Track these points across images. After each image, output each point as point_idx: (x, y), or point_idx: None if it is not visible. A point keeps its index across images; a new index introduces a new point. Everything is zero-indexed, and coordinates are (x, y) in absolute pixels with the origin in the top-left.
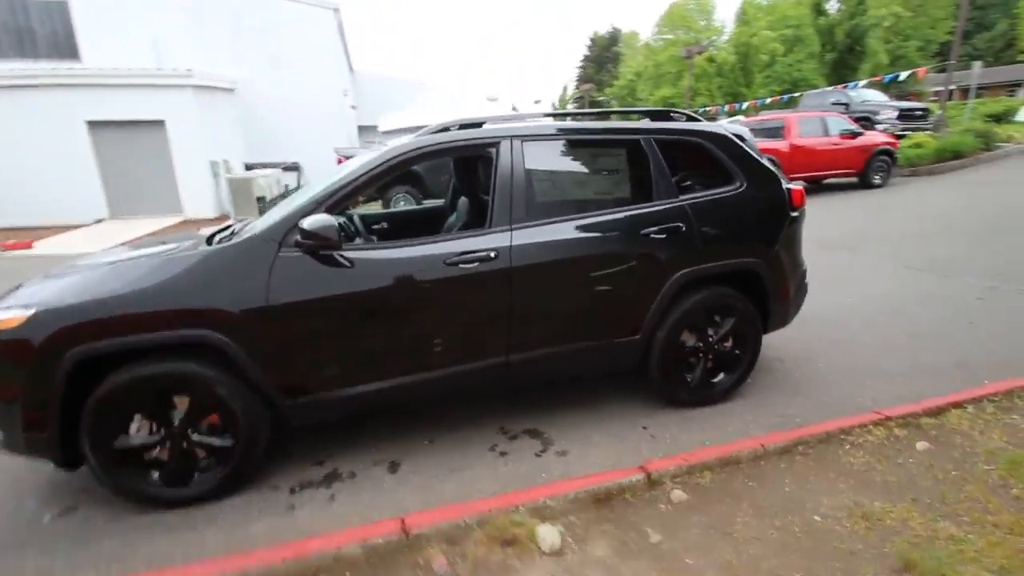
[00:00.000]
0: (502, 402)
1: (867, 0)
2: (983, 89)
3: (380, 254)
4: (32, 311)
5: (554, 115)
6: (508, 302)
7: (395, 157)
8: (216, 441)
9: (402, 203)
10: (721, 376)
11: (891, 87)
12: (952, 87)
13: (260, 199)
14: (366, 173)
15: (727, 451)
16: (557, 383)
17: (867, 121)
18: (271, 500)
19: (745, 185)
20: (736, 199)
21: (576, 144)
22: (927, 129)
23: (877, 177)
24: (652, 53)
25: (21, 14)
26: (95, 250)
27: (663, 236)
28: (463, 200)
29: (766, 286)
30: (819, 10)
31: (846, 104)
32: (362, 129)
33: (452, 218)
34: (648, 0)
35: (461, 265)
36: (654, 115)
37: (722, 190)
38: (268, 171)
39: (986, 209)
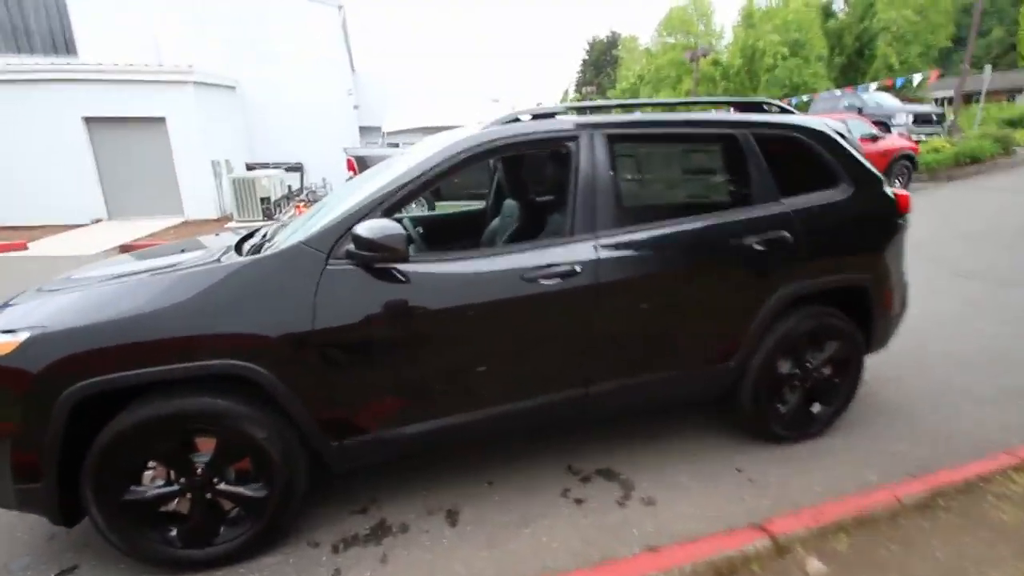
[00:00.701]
0: (564, 433)
1: (877, 3)
2: (980, 94)
3: (443, 267)
4: (24, 335)
5: (625, 105)
6: (591, 324)
7: (465, 151)
8: (247, 491)
9: (413, 206)
10: (817, 407)
11: (900, 91)
12: (955, 92)
13: (264, 200)
14: (430, 169)
15: (861, 507)
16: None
17: (883, 125)
18: (311, 561)
19: (852, 189)
20: (843, 205)
21: (666, 138)
22: (941, 133)
23: (898, 182)
24: (653, 57)
25: (16, 9)
26: (93, 251)
27: (766, 247)
28: (510, 203)
29: (872, 304)
30: (828, 13)
31: (859, 108)
32: (364, 130)
33: (495, 223)
34: (647, 4)
35: (541, 281)
36: (744, 106)
37: (827, 194)
38: (271, 171)
39: (1018, 215)
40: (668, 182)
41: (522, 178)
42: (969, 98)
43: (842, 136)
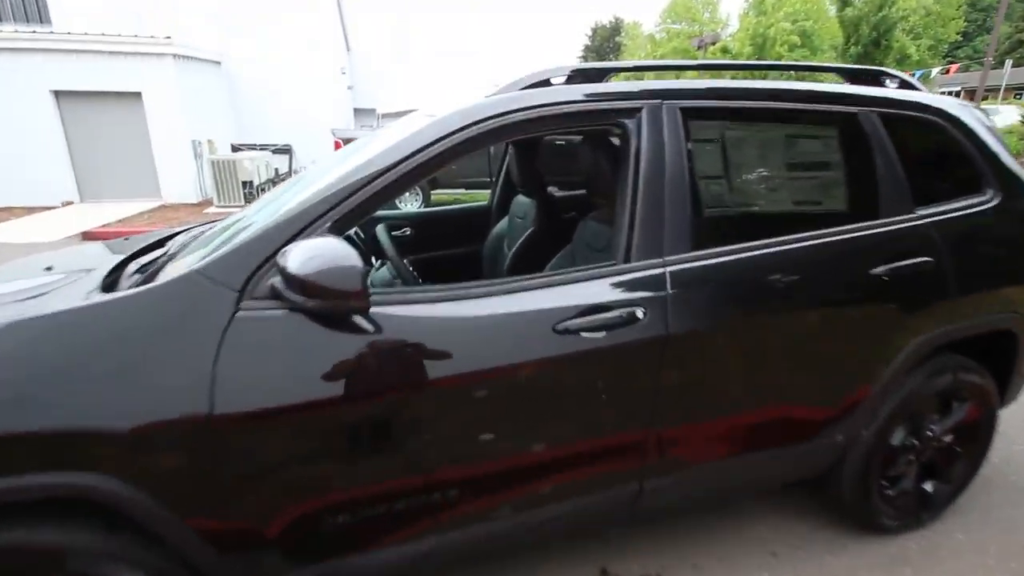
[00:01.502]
0: None
1: None
2: (989, 91)
3: (431, 311)
4: None
5: (699, 67)
6: (654, 395)
7: (467, 128)
8: None
9: (408, 195)
10: (933, 485)
11: None
12: (961, 88)
13: (246, 184)
14: (413, 155)
15: None
16: None
17: None
18: None
19: (999, 198)
20: (990, 219)
21: (765, 116)
22: None
23: None
24: (656, 45)
25: None
26: (54, 238)
27: (902, 278)
28: (522, 200)
29: (1018, 352)
30: (845, 2)
31: None
32: (359, 112)
33: (502, 224)
34: None
35: (583, 334)
36: (857, 75)
37: (970, 203)
38: (256, 153)
39: None
40: (767, 181)
41: (539, 166)
42: (972, 94)
43: (986, 126)
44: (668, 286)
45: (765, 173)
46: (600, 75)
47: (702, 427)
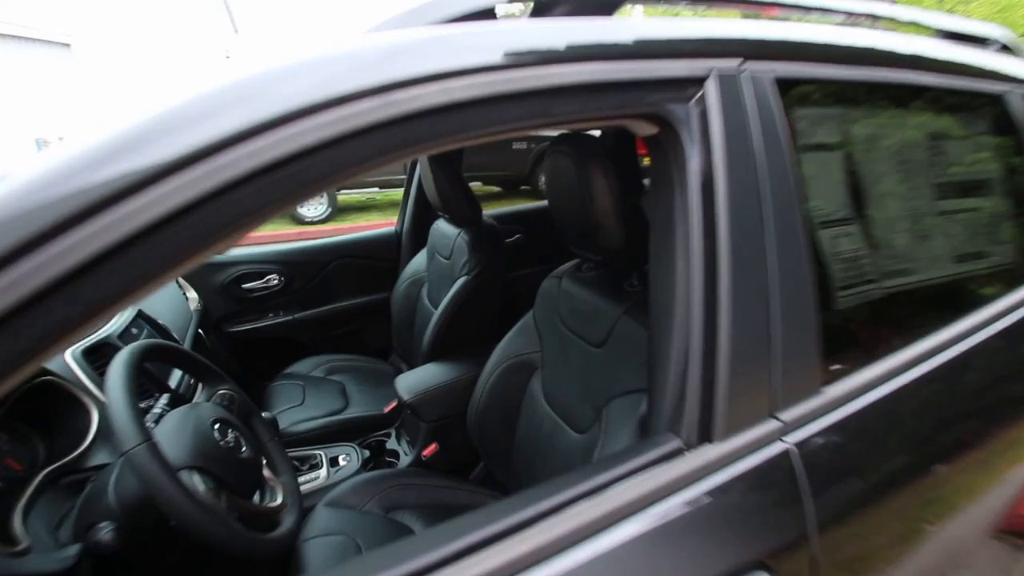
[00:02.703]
0: None
1: None
2: None
3: None
4: None
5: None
6: None
7: (288, 122)
8: None
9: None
10: None
11: None
12: None
13: None
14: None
15: None
16: None
17: None
18: None
19: None
20: None
21: (908, 98)
22: None
23: None
24: None
25: None
26: None
27: None
28: (443, 230)
29: None
30: None
31: None
32: None
33: (418, 263)
34: None
35: None
36: (958, 34)
37: None
38: None
39: None
40: (914, 216)
41: (453, 170)
42: None
43: None
44: (801, 483)
45: (916, 204)
46: (610, 4)
47: None
